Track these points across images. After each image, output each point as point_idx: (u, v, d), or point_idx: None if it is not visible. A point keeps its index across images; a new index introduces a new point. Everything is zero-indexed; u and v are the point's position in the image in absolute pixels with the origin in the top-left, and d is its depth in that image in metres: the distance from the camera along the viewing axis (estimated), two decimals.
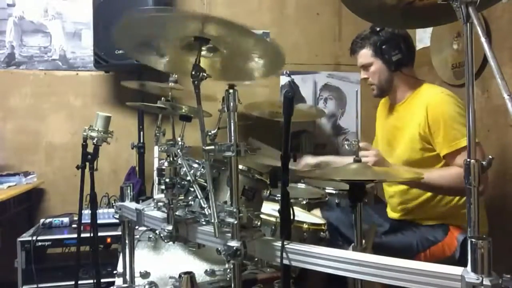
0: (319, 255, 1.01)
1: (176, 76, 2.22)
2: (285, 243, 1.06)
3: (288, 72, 3.26)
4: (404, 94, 1.90)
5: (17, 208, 2.65)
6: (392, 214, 1.96)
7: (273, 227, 1.49)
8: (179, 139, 1.48)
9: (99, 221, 2.25)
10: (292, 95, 1.12)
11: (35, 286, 2.37)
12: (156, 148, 2.24)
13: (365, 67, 1.92)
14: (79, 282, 2.17)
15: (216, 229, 1.15)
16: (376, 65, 1.88)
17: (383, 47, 1.83)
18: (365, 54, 1.90)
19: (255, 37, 1.20)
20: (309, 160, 2.25)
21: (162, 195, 1.33)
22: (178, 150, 1.43)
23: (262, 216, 1.41)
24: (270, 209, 1.56)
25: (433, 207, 1.80)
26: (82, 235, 2.07)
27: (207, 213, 1.25)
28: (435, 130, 1.71)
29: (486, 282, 0.78)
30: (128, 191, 1.73)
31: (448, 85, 2.52)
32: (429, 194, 1.79)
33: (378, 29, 1.85)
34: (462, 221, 1.73)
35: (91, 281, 2.30)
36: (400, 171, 1.64)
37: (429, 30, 2.73)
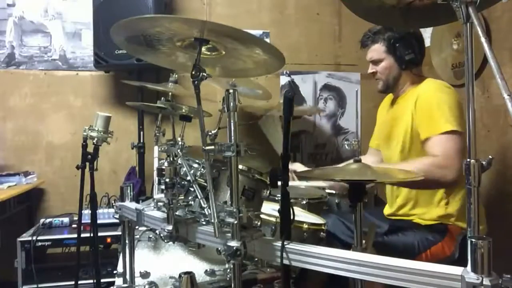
0: (319, 255, 1.01)
1: (176, 76, 2.22)
2: (285, 243, 1.06)
3: (288, 72, 3.25)
4: (406, 88, 1.92)
5: (17, 208, 2.65)
6: (390, 210, 1.96)
7: (273, 227, 1.49)
8: (179, 139, 1.48)
9: (99, 221, 2.25)
10: (292, 95, 1.12)
11: (35, 286, 2.37)
12: (156, 148, 2.23)
13: (375, 62, 1.92)
14: (79, 282, 2.17)
15: (216, 229, 1.15)
16: (388, 61, 1.88)
17: (397, 44, 1.83)
18: (377, 49, 1.89)
19: (254, 40, 1.20)
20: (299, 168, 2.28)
21: (162, 195, 1.33)
22: (178, 150, 1.43)
23: (262, 216, 1.41)
24: (270, 209, 1.56)
25: (432, 205, 1.80)
26: (82, 235, 2.07)
27: (207, 213, 1.25)
28: (419, 116, 1.75)
29: (486, 282, 0.78)
30: (128, 191, 1.73)
31: None
32: (428, 192, 1.79)
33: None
34: (460, 220, 1.74)
35: (91, 281, 2.30)
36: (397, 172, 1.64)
37: (429, 30, 2.73)
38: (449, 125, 1.64)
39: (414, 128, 1.79)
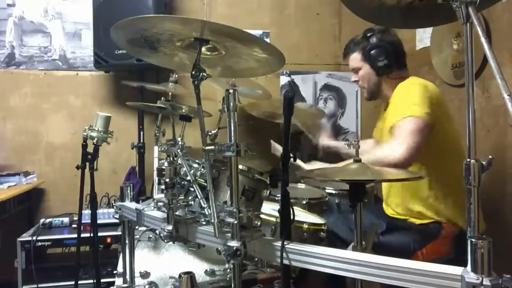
0: (319, 255, 1.01)
1: (176, 76, 2.23)
2: (285, 243, 1.06)
3: (288, 72, 3.25)
4: (392, 91, 1.95)
5: (17, 208, 2.65)
6: (388, 210, 1.97)
7: (273, 227, 1.49)
8: (179, 139, 1.48)
9: (99, 221, 2.25)
10: (292, 95, 1.12)
11: (35, 286, 2.37)
12: (156, 148, 2.24)
13: (355, 70, 2.01)
14: (79, 282, 2.17)
15: (216, 229, 1.15)
16: (365, 69, 1.96)
17: (371, 52, 1.91)
18: (355, 58, 1.99)
19: (253, 39, 1.21)
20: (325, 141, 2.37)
21: (162, 195, 1.33)
22: (178, 150, 1.43)
23: (262, 216, 1.41)
24: (270, 209, 1.56)
25: (424, 205, 1.81)
26: (82, 235, 2.07)
27: (207, 213, 1.25)
28: (391, 110, 1.83)
29: (486, 282, 0.78)
30: (128, 191, 1.73)
31: (448, 85, 2.52)
32: (420, 192, 1.80)
33: (369, 34, 1.92)
34: (456, 218, 1.75)
35: (91, 281, 2.30)
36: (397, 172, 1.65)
37: (429, 30, 2.73)
38: (408, 111, 1.68)
39: None
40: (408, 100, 1.73)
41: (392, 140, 1.69)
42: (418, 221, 1.81)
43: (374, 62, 1.91)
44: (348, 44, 2.02)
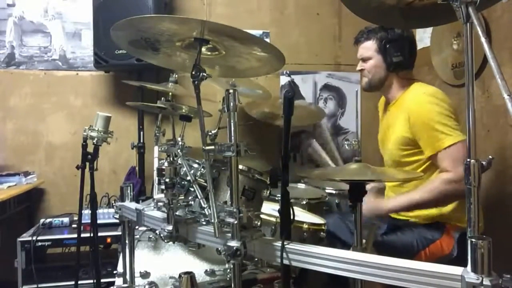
0: (319, 255, 1.01)
1: (176, 76, 2.23)
2: (285, 243, 1.06)
3: (288, 72, 3.25)
4: (396, 94, 1.93)
5: (17, 208, 2.64)
6: None
7: (273, 227, 1.49)
8: (179, 139, 1.48)
9: (99, 221, 2.25)
10: (292, 95, 1.12)
11: (35, 286, 2.37)
12: (156, 148, 2.24)
13: (364, 59, 1.94)
14: (79, 282, 2.17)
15: (216, 229, 1.15)
16: (376, 60, 1.90)
17: (388, 45, 1.84)
18: (369, 47, 1.91)
19: (253, 40, 1.21)
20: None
21: (162, 195, 1.33)
22: (178, 150, 1.43)
23: (262, 216, 1.41)
24: (270, 209, 1.56)
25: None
26: (82, 235, 2.07)
27: (207, 213, 1.25)
28: (418, 133, 1.75)
29: (486, 282, 0.78)
30: (128, 191, 1.73)
31: (448, 85, 2.52)
32: None
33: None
34: (458, 220, 1.75)
35: (91, 281, 2.30)
36: (397, 172, 1.64)
37: (429, 30, 2.73)
38: (452, 138, 1.66)
39: (407, 142, 1.79)
40: (443, 125, 1.68)
41: (453, 174, 1.64)
42: (421, 222, 1.81)
43: (389, 56, 1.84)
44: (363, 30, 1.94)
